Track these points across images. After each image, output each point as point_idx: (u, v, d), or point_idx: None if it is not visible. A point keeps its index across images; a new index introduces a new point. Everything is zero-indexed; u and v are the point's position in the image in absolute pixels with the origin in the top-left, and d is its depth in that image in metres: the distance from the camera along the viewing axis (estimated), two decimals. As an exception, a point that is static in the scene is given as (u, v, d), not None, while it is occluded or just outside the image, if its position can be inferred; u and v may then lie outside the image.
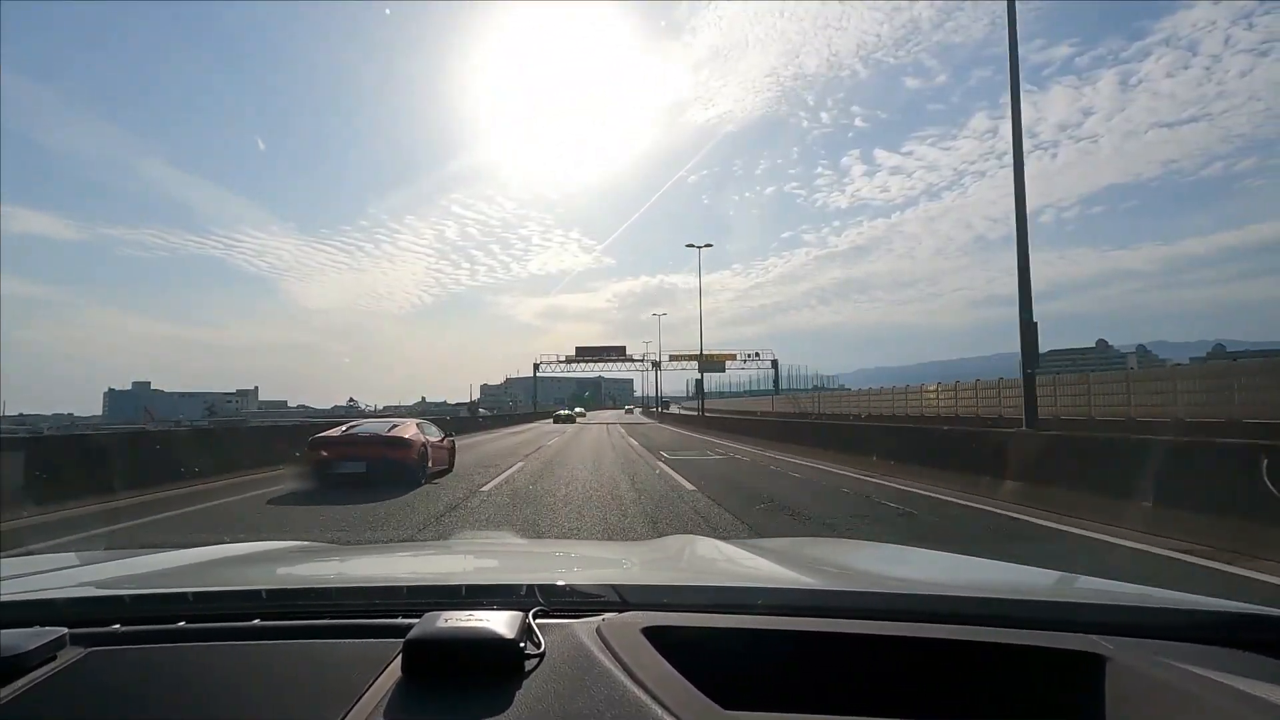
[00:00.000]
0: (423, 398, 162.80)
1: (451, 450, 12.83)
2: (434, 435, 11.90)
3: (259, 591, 1.10)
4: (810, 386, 75.67)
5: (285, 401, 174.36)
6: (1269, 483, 4.78)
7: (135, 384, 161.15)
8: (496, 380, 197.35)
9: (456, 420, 30.98)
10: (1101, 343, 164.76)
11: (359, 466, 10.17)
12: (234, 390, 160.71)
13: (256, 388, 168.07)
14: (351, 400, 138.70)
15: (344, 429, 11.34)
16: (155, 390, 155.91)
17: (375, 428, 11.21)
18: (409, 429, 11.15)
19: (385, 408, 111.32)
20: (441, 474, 11.81)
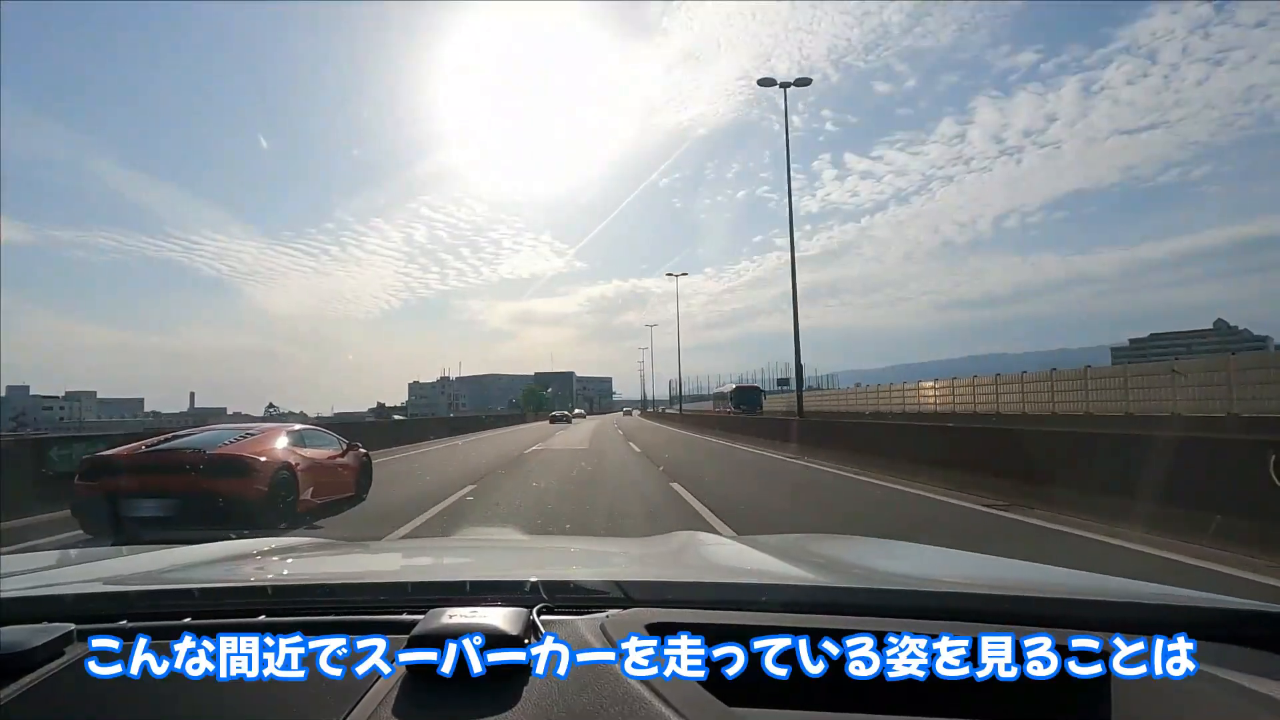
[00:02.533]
0: (379, 403, 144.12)
1: (359, 469, 9.28)
2: (323, 449, 8.46)
3: (264, 588, 1.11)
4: (807, 387, 77.76)
5: (225, 409, 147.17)
6: (1275, 477, 4.69)
7: (11, 389, 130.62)
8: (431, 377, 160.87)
9: (358, 428, 21.19)
10: (1220, 323, 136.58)
11: (160, 506, 6.37)
12: (188, 396, 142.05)
13: (95, 391, 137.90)
14: (271, 406, 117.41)
15: (153, 441, 7.58)
16: (34, 395, 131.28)
17: (206, 439, 7.44)
18: (265, 441, 7.50)
19: (336, 413, 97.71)
20: (339, 504, 8.42)
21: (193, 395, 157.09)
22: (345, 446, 9.20)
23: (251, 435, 7.70)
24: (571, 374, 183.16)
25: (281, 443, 7.71)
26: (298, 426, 9.00)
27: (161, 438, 7.84)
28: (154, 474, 6.64)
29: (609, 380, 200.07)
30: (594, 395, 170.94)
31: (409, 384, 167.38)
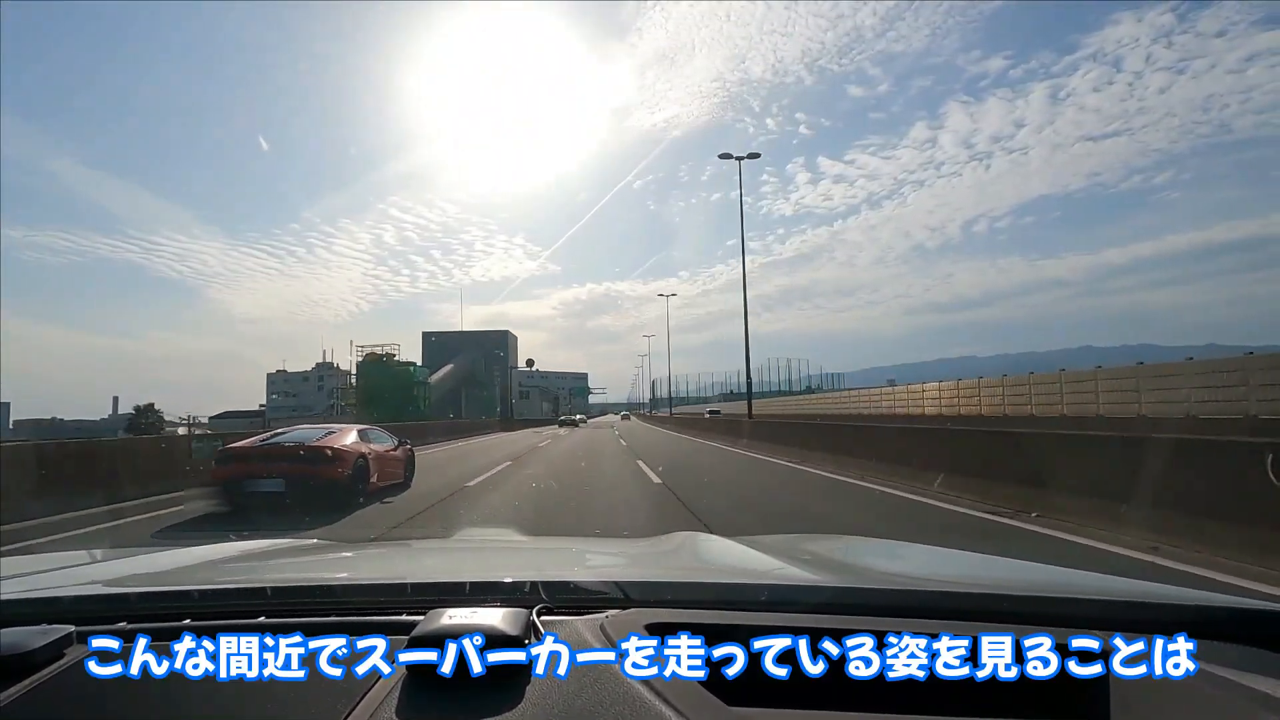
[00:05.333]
0: (141, 406, 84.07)
1: (408, 461, 10.97)
2: (382, 444, 10.20)
3: (264, 589, 1.08)
4: (803, 388, 77.85)
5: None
6: (1273, 476, 4.60)
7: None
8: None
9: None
10: None
11: (275, 484, 8.13)
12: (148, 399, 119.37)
13: None
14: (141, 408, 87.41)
15: (264, 437, 9.43)
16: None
17: (302, 436, 9.20)
18: (343, 437, 9.16)
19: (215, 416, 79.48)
20: (394, 489, 9.98)
21: (116, 399, 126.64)
22: (398, 443, 10.82)
23: (332, 432, 9.32)
24: (507, 336, 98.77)
25: (355, 438, 9.30)
26: (363, 426, 10.56)
27: (270, 434, 9.73)
28: (269, 461, 8.41)
29: (584, 376, 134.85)
30: (560, 394, 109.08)
31: (267, 374, 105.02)
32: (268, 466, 8.34)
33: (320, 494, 8.22)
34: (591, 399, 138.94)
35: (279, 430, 10.24)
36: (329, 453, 8.52)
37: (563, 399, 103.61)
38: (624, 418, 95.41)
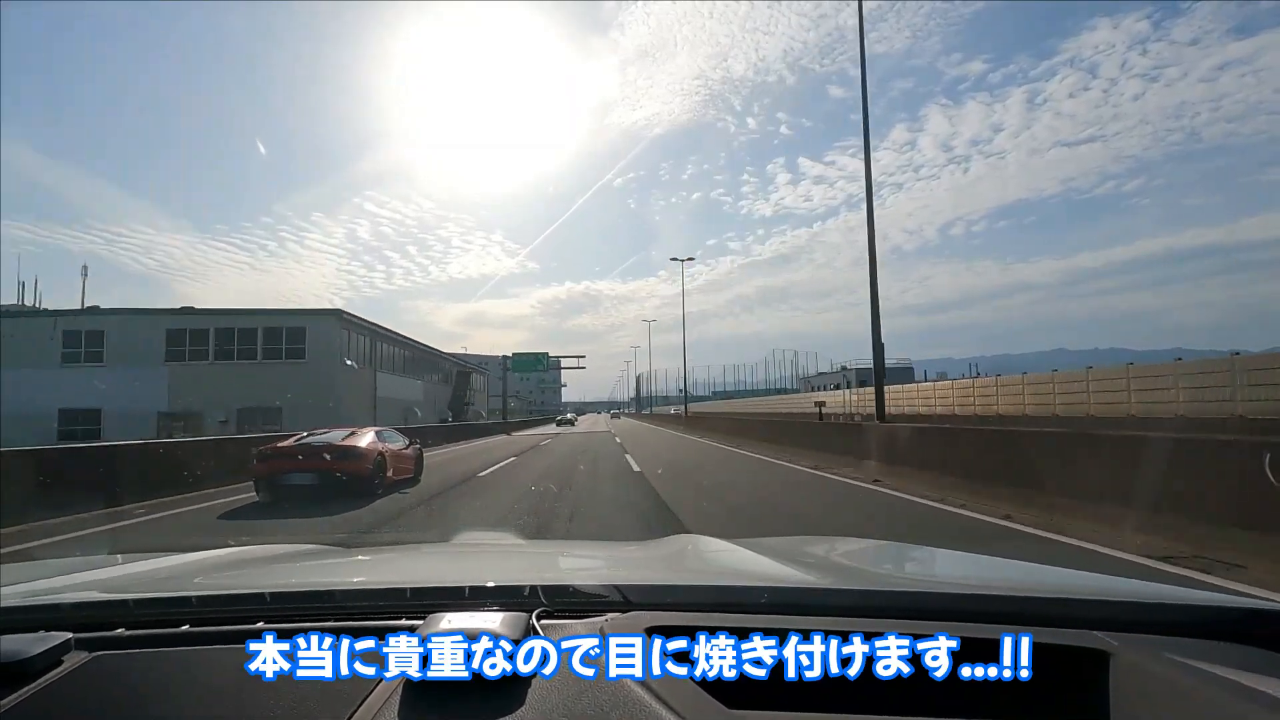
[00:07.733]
0: None
1: (417, 459, 12.10)
2: (395, 443, 11.27)
3: (263, 594, 1.07)
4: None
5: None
6: (1271, 475, 4.53)
7: None
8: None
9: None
10: None
11: (308, 478, 9.35)
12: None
13: None
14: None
15: (295, 439, 10.45)
16: None
17: (329, 437, 10.29)
18: (364, 437, 10.30)
19: None
20: (405, 483, 11.05)
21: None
22: (409, 442, 11.93)
23: (353, 434, 10.35)
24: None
25: (372, 438, 10.41)
26: (378, 428, 11.67)
27: (302, 434, 10.78)
28: (302, 458, 9.49)
29: (554, 363, 58.90)
30: (478, 373, 59.21)
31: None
32: (302, 463, 9.44)
33: (346, 486, 9.36)
34: (565, 395, 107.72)
35: (307, 432, 11.32)
36: (355, 450, 9.76)
37: (482, 381, 59.58)
38: (613, 416, 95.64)
